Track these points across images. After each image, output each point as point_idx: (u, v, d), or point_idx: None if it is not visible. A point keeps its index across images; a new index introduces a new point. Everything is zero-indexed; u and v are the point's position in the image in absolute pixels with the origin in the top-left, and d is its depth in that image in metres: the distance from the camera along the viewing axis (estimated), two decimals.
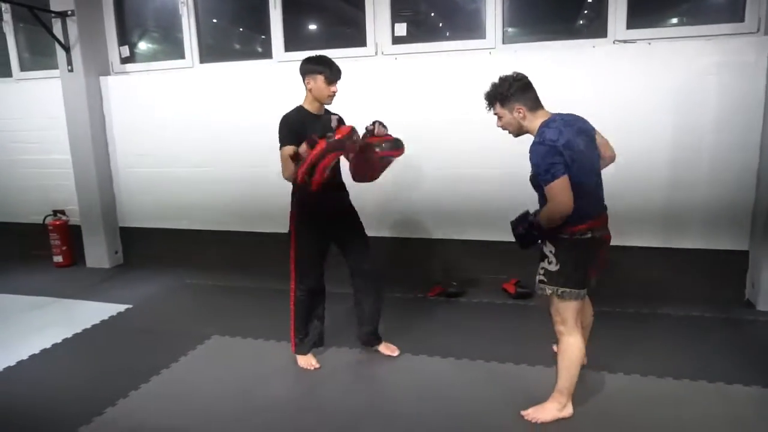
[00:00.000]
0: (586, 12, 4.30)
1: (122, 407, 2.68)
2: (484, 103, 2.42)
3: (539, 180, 2.22)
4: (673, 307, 3.72)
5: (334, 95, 2.84)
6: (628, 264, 3.99)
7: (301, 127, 2.73)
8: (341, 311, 3.52)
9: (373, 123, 2.79)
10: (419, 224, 4.50)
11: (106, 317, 3.89)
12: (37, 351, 3.33)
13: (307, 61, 2.84)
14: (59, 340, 3.48)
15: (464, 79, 4.16)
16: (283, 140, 2.75)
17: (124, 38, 5.22)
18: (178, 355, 3.22)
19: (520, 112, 2.30)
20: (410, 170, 4.38)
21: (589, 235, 2.27)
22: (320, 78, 2.77)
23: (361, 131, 2.74)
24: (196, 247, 5.11)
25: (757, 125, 3.67)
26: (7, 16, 5.39)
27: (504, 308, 3.87)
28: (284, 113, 2.83)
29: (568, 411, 2.42)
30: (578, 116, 2.38)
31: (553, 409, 2.41)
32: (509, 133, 2.42)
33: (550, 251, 2.32)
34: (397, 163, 4.32)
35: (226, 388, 2.84)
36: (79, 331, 3.64)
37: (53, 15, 4.84)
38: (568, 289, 2.30)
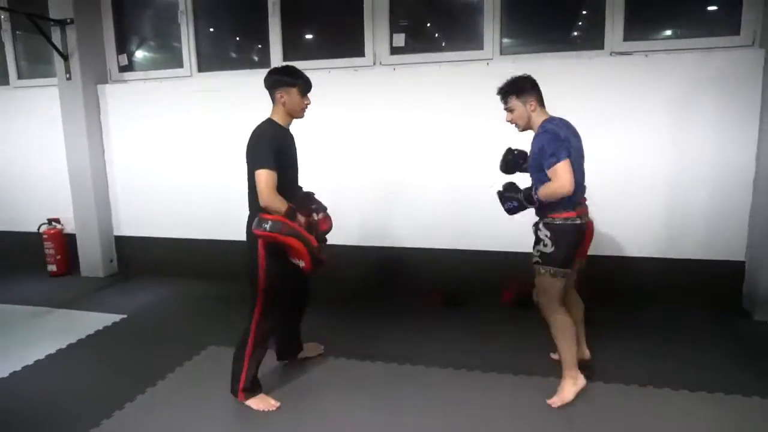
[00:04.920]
0: (582, 24, 4.34)
1: (118, 418, 2.65)
2: (497, 97, 2.66)
3: (544, 163, 2.46)
4: (671, 316, 3.74)
5: (306, 107, 2.69)
6: (626, 273, 4.00)
7: (281, 146, 2.58)
8: (342, 324, 3.49)
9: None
10: (417, 234, 4.49)
11: (101, 327, 3.86)
12: (31, 362, 3.29)
13: (276, 73, 2.64)
14: (53, 351, 3.44)
15: (462, 90, 4.17)
16: (267, 161, 2.47)
17: (122, 46, 5.23)
18: (174, 366, 3.19)
19: (532, 105, 2.59)
20: (409, 180, 4.39)
21: (579, 221, 2.56)
22: (294, 91, 2.60)
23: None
24: (192, 256, 5.08)
25: (753, 137, 3.71)
26: (5, 24, 5.39)
27: (502, 318, 3.86)
28: (258, 127, 2.62)
29: (582, 382, 2.67)
30: (570, 123, 2.62)
31: (570, 385, 2.64)
32: (516, 127, 2.69)
33: (546, 235, 2.59)
34: (397, 175, 4.38)
35: (223, 398, 2.80)
36: (74, 341, 3.60)
37: (52, 23, 4.84)
38: (561, 269, 2.57)
